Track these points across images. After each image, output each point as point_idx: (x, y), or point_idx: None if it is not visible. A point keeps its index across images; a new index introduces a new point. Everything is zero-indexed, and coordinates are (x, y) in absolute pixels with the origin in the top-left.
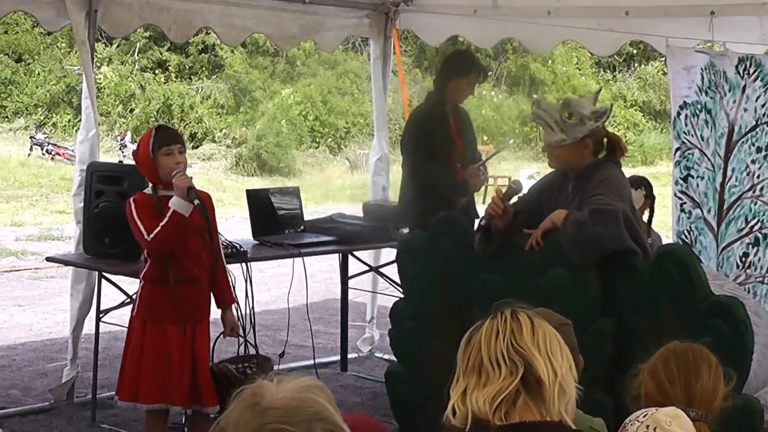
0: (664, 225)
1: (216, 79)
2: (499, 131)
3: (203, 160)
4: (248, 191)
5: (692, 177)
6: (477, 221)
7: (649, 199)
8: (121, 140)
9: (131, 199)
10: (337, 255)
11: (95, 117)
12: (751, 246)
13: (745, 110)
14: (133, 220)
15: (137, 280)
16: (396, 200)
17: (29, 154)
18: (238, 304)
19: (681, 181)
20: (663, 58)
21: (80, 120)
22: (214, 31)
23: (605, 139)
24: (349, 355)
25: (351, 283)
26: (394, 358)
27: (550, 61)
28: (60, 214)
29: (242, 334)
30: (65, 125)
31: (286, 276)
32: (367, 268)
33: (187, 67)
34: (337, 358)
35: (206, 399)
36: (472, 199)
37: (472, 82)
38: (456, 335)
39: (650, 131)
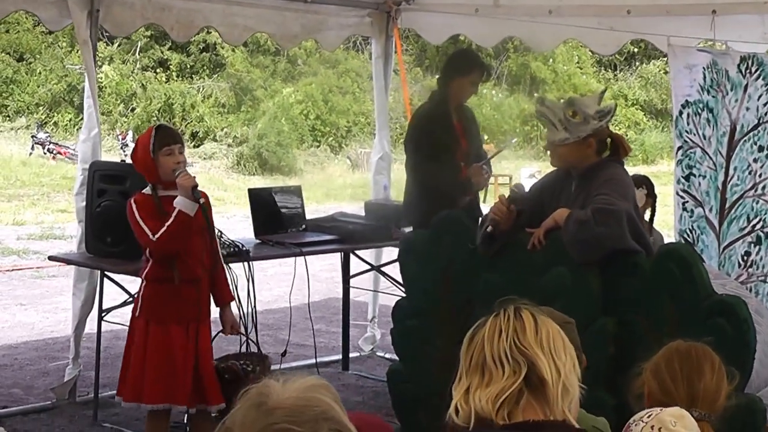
0: (665, 224)
1: (217, 78)
2: (500, 130)
3: (204, 159)
4: (250, 190)
5: (694, 176)
6: (480, 222)
7: (651, 198)
8: (123, 139)
9: (131, 200)
10: (338, 254)
11: (97, 116)
12: (752, 245)
13: (747, 109)
14: (136, 222)
15: (139, 279)
16: (397, 199)
17: (31, 153)
18: (240, 302)
19: (683, 180)
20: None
21: (81, 119)
22: (217, 31)
23: (609, 139)
24: (351, 354)
25: (352, 282)
26: (396, 357)
27: (551, 60)
28: (61, 213)
29: (242, 332)
30: (66, 124)
31: (288, 275)
32: (368, 267)
33: (189, 66)
34: (339, 357)
35: (211, 398)
36: (476, 198)
37: (476, 80)
38: (458, 334)
39: (651, 130)
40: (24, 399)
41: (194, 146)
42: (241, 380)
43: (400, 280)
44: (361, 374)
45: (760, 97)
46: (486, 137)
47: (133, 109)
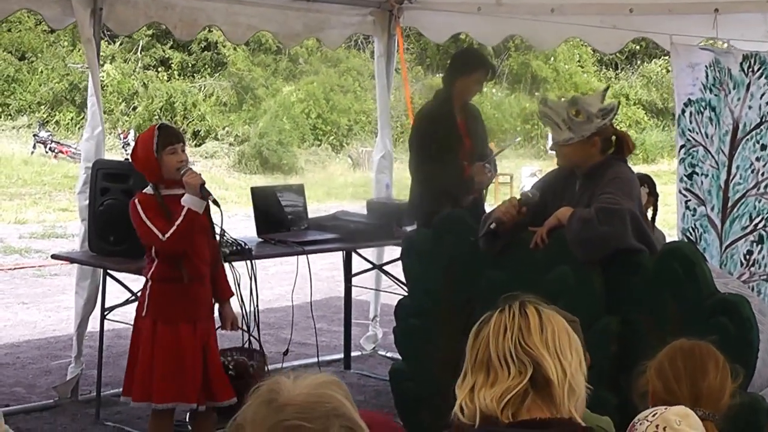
0: (666, 223)
1: (219, 77)
2: (501, 129)
3: (206, 158)
4: (253, 189)
5: (697, 174)
6: (483, 219)
7: (653, 196)
8: (124, 138)
9: (135, 200)
10: (339, 253)
11: (101, 114)
12: (755, 244)
13: (750, 108)
14: (142, 222)
15: (142, 278)
16: (398, 198)
17: (32, 152)
18: (242, 301)
19: (686, 179)
20: (666, 56)
21: (83, 118)
22: (220, 29)
23: (613, 137)
24: (353, 353)
25: (354, 280)
26: (398, 356)
27: (552, 59)
28: (63, 211)
29: (243, 328)
30: (68, 123)
31: (289, 274)
32: (370, 265)
33: (190, 65)
34: (341, 356)
35: (220, 394)
36: (480, 197)
37: (480, 79)
38: (460, 333)
39: (652, 129)
40: (26, 397)
41: (195, 145)
42: (246, 375)
43: (402, 279)
44: (363, 373)
45: (762, 95)
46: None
47: (134, 108)
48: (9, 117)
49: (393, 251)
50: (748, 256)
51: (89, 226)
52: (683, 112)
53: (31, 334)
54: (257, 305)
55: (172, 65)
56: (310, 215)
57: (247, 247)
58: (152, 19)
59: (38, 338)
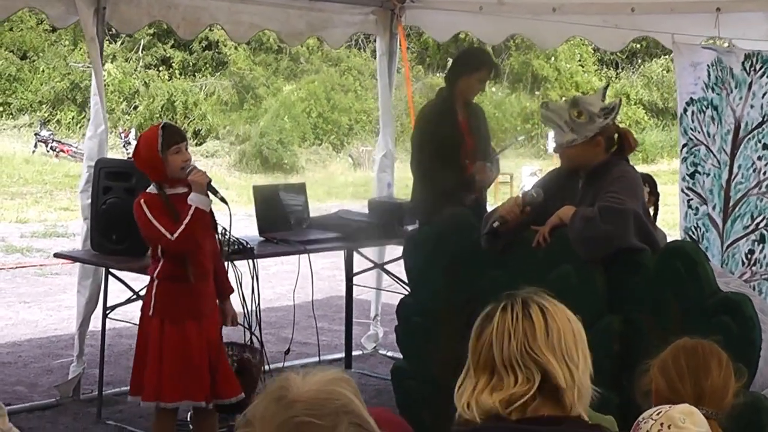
0: (665, 222)
1: (220, 76)
2: (501, 128)
3: (207, 157)
4: (255, 187)
5: (699, 173)
6: (485, 218)
7: (654, 196)
8: (125, 137)
9: (140, 201)
10: (340, 252)
11: (104, 113)
12: (756, 243)
13: (752, 107)
14: (149, 222)
15: (143, 276)
16: (399, 197)
17: (34, 151)
18: (244, 300)
19: (688, 178)
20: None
21: (84, 117)
22: (223, 28)
23: (615, 135)
24: (354, 353)
25: (355, 279)
26: (399, 355)
27: (552, 58)
28: (64, 210)
29: (244, 326)
30: (69, 122)
31: (289, 273)
32: (371, 265)
33: (191, 64)
34: (342, 355)
35: (225, 391)
36: (482, 196)
37: (483, 78)
38: (462, 331)
39: (652, 129)
40: (28, 396)
41: (196, 144)
42: (248, 372)
43: (403, 278)
44: (364, 372)
45: (764, 95)
46: None
47: (135, 107)
48: (10, 116)
49: (394, 250)
50: (749, 256)
51: (91, 225)
52: (685, 111)
53: (32, 333)
54: (259, 304)
55: (173, 64)
56: (311, 214)
57: (249, 246)
58: (155, 18)
59: (40, 337)
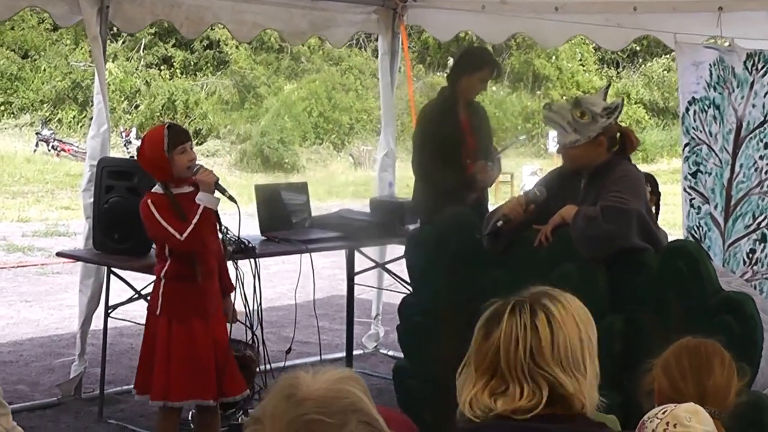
0: (666, 222)
1: (221, 75)
2: (502, 128)
3: (207, 156)
4: (257, 186)
5: (701, 172)
6: (487, 217)
7: (655, 195)
8: (126, 136)
9: (147, 201)
10: (341, 251)
11: (107, 112)
12: (758, 242)
13: (753, 106)
14: (157, 222)
15: (145, 275)
16: (400, 196)
17: (35, 150)
18: (245, 299)
19: (690, 177)
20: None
21: (85, 116)
22: (226, 27)
23: (617, 134)
24: (354, 352)
25: (356, 279)
26: (400, 355)
27: (553, 57)
28: (65, 210)
29: (245, 323)
30: (71, 121)
31: (290, 272)
32: (372, 264)
33: (192, 64)
34: (343, 354)
35: (232, 389)
36: (484, 195)
37: (485, 78)
38: (463, 331)
39: (652, 128)
40: (29, 395)
41: (197, 143)
42: (249, 369)
43: (404, 277)
44: (365, 372)
45: (766, 94)
46: None
47: (136, 107)
48: (12, 115)
49: (395, 249)
50: (750, 255)
51: (94, 224)
52: (687, 110)
53: (34, 332)
54: (260, 303)
55: (175, 63)
56: (312, 214)
57: (250, 245)
58: (159, 17)
59: (41, 336)
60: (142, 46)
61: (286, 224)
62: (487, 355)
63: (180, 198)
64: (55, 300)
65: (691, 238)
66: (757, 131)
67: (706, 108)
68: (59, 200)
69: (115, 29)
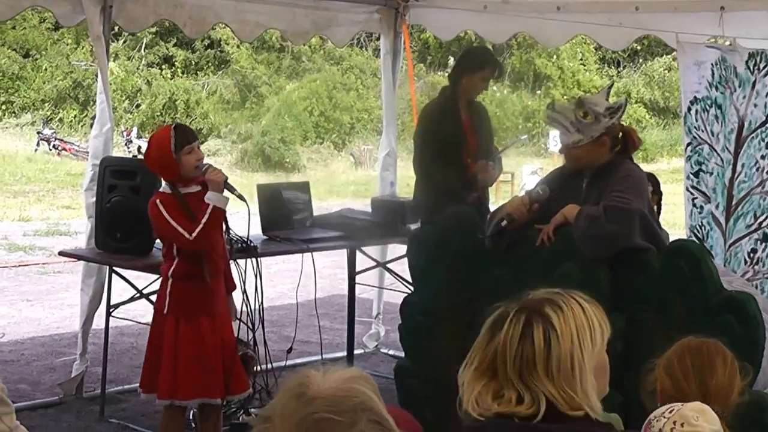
0: (666, 221)
1: (222, 75)
2: (502, 127)
3: (208, 155)
4: (259, 186)
5: (703, 172)
6: (490, 216)
7: (656, 195)
8: (127, 136)
9: (156, 200)
10: (342, 250)
11: (110, 112)
12: (759, 242)
13: (755, 106)
14: (166, 222)
15: (147, 275)
16: (402, 195)
17: (36, 150)
18: (247, 299)
19: (692, 176)
20: (668, 55)
21: (86, 115)
22: (230, 27)
23: (620, 134)
24: (355, 351)
25: (357, 278)
26: (401, 354)
27: (554, 57)
28: (66, 209)
29: (245, 322)
30: (72, 121)
31: (291, 272)
32: (373, 263)
33: (193, 63)
34: (343, 354)
35: (237, 387)
36: (485, 194)
37: (486, 77)
38: (465, 330)
39: (653, 128)
40: (31, 394)
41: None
42: (249, 368)
43: (406, 277)
44: (366, 371)
45: None
46: None
47: (137, 106)
48: (13, 114)
49: (396, 249)
50: (752, 254)
51: (96, 223)
52: (689, 110)
53: (35, 331)
54: (262, 303)
55: (176, 63)
56: (313, 213)
57: (252, 244)
58: (162, 17)
59: (42, 335)
60: (143, 46)
61: (287, 223)
62: (489, 357)
63: (188, 197)
64: (56, 299)
65: (693, 238)
66: (758, 131)
67: (707, 107)
68: (60, 199)
69: (116, 28)
